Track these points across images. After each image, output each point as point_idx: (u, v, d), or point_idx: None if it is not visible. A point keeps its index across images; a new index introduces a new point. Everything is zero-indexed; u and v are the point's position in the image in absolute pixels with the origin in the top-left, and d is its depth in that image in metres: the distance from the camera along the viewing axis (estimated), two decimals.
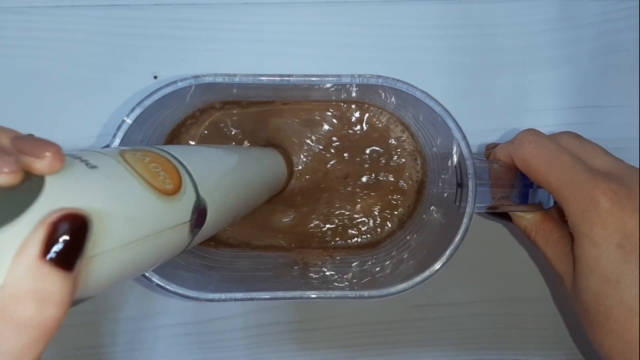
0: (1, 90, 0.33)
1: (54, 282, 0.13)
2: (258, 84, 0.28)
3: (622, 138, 0.35)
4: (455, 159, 0.28)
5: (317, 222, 0.36)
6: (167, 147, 0.23)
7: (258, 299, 0.28)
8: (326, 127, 0.35)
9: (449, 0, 0.34)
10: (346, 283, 0.31)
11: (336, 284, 0.31)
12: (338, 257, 0.34)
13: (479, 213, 0.33)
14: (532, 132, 0.28)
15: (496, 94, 0.35)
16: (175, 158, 0.22)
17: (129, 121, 0.27)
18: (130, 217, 0.17)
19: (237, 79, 0.28)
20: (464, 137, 0.28)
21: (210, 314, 0.35)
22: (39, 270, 0.13)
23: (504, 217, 0.32)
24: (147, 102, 0.27)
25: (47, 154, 0.15)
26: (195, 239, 0.22)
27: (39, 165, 0.15)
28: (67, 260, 0.14)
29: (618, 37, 0.35)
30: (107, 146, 0.27)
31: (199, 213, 0.22)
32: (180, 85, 0.27)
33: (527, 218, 0.30)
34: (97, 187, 0.17)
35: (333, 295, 0.28)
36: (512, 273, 0.36)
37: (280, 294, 0.28)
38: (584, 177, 0.25)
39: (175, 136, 0.34)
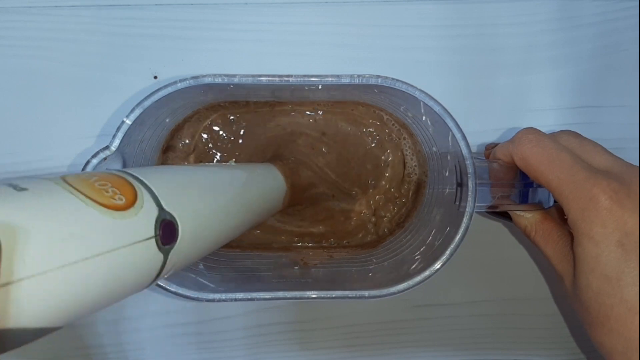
0: (1, 90, 0.33)
1: None
2: (257, 85, 0.28)
3: (622, 138, 0.35)
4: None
5: (317, 222, 0.36)
6: (126, 169, 0.22)
7: (258, 299, 0.28)
8: (325, 127, 0.35)
9: (448, 0, 0.34)
10: (347, 283, 0.31)
11: (336, 283, 0.31)
12: (338, 257, 0.34)
13: (479, 212, 0.33)
14: (531, 130, 0.28)
15: (496, 94, 0.35)
16: (130, 175, 0.21)
17: (128, 122, 0.27)
18: (71, 235, 0.16)
19: (236, 80, 0.28)
20: (464, 137, 0.28)
21: (210, 314, 0.35)
22: None
23: (504, 216, 0.32)
24: (147, 103, 0.27)
25: None
26: (172, 259, 0.21)
27: None
28: None
29: (618, 37, 0.35)
30: (107, 147, 0.27)
31: (165, 227, 0.20)
32: (179, 86, 0.27)
33: (527, 217, 0.30)
34: (20, 205, 0.15)
35: (333, 295, 0.28)
36: (512, 273, 0.36)
37: (280, 294, 0.28)
38: (583, 175, 0.25)
39: (174, 136, 0.34)
